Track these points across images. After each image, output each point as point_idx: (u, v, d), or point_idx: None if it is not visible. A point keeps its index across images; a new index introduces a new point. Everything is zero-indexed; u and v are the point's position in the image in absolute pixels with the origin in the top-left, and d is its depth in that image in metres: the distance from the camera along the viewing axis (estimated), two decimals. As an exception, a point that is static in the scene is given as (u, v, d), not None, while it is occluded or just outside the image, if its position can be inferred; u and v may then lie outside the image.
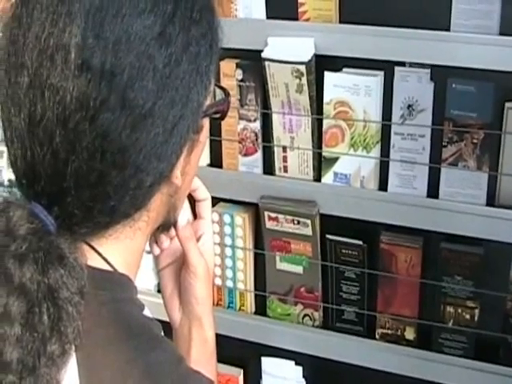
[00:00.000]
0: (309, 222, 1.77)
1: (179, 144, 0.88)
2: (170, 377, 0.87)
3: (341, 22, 1.67)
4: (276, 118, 1.76)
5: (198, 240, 1.15)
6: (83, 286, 0.83)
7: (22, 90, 0.82)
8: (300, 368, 1.94)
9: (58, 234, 0.84)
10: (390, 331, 1.81)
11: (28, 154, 0.83)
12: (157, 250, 1.16)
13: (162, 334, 0.94)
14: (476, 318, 1.72)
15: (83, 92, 0.80)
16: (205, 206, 1.17)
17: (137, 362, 0.85)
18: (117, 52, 0.80)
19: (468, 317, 1.73)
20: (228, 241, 1.91)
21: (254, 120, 1.80)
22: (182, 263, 1.14)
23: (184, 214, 1.09)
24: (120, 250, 0.92)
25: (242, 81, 1.78)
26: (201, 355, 1.12)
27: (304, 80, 1.66)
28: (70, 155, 0.81)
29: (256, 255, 1.92)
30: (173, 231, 1.12)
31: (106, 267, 0.91)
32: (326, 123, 1.72)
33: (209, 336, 1.15)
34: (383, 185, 1.73)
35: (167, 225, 1.04)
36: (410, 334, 1.79)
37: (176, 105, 0.85)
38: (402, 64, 1.63)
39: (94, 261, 0.89)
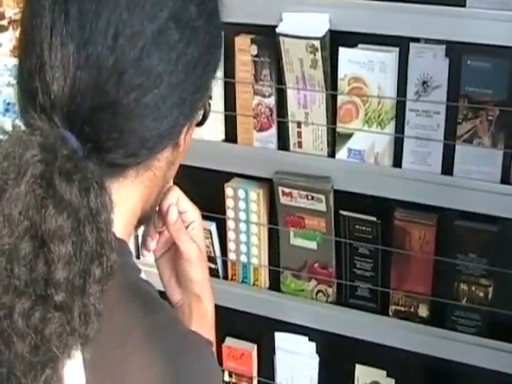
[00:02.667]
0: (323, 197, 1.77)
1: (201, 95, 0.96)
2: (171, 337, 0.90)
3: (356, -3, 1.66)
4: (290, 94, 1.75)
5: (186, 227, 1.18)
6: (111, 218, 0.85)
7: (72, 10, 0.85)
8: (313, 344, 1.94)
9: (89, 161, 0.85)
10: (403, 308, 1.81)
11: (70, 72, 0.85)
12: (145, 253, 1.19)
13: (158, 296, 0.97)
14: (490, 296, 1.72)
15: (135, 15, 0.86)
16: (181, 201, 1.17)
17: (136, 324, 0.87)
18: None
19: (482, 294, 1.72)
20: (242, 216, 1.91)
21: (269, 95, 1.79)
22: (175, 250, 1.18)
23: (173, 210, 1.13)
24: (121, 212, 0.93)
25: (256, 56, 1.77)
26: (200, 328, 1.14)
27: (318, 55, 1.65)
28: (116, 70, 0.85)
29: (270, 230, 1.92)
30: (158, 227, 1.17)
31: None
32: (340, 99, 1.72)
33: (208, 310, 1.19)
34: (397, 161, 1.72)
35: (151, 214, 1.08)
36: (423, 311, 1.79)
37: (207, 52, 0.94)
38: (417, 40, 1.62)
39: None
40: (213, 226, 1.97)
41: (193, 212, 1.18)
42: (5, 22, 2.11)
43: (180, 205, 1.16)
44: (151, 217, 1.11)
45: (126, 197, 0.94)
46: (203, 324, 1.15)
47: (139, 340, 0.86)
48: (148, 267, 1.16)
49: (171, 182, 1.11)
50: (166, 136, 0.92)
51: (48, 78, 0.85)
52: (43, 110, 0.86)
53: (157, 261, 1.22)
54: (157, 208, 1.12)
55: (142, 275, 0.96)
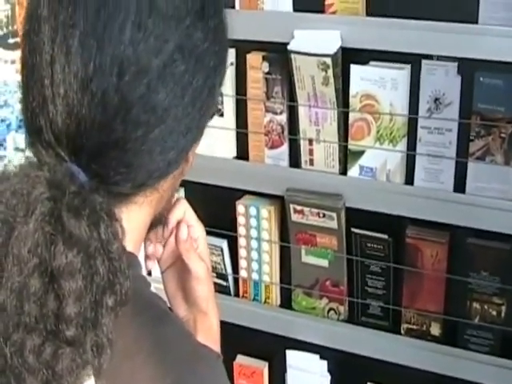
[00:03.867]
0: (334, 215, 1.76)
1: (206, 118, 0.93)
2: (180, 350, 0.89)
3: (368, 14, 1.65)
4: (302, 111, 1.75)
5: None
6: (123, 245, 0.85)
7: (73, 47, 0.82)
8: (325, 362, 1.93)
9: (97, 194, 0.85)
10: (415, 326, 1.79)
11: (75, 109, 0.83)
12: (150, 265, 1.18)
13: (168, 309, 0.97)
14: (503, 315, 1.70)
15: (140, 51, 0.83)
16: (188, 215, 1.17)
17: (146, 336, 0.86)
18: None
19: (494, 313, 1.71)
20: (254, 233, 1.90)
21: (281, 112, 1.79)
22: (182, 265, 1.17)
23: (183, 228, 1.14)
24: (131, 233, 0.92)
25: (268, 73, 1.77)
26: (206, 342, 1.13)
27: (330, 73, 1.65)
28: (122, 108, 0.83)
29: (281, 248, 1.91)
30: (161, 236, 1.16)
31: None
32: (351, 116, 1.71)
33: (213, 324, 1.18)
34: (409, 179, 1.71)
35: (159, 221, 1.06)
36: (435, 329, 1.78)
37: (213, 74, 0.91)
38: (429, 57, 1.62)
39: None
40: (224, 244, 1.97)
41: (198, 227, 1.18)
42: (18, 40, 2.12)
43: (186, 219, 1.15)
44: (161, 222, 1.10)
45: (135, 219, 0.93)
46: (208, 339, 1.15)
47: (148, 352, 0.85)
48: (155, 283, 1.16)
49: (179, 192, 1.10)
50: (173, 163, 0.91)
51: (52, 115, 0.84)
52: (49, 145, 0.85)
53: (162, 274, 1.21)
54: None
55: (152, 289, 0.95)
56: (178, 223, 1.14)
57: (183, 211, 1.15)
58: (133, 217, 0.93)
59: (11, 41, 2.16)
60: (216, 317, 1.19)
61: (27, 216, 0.79)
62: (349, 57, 1.67)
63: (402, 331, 1.82)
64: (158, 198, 0.95)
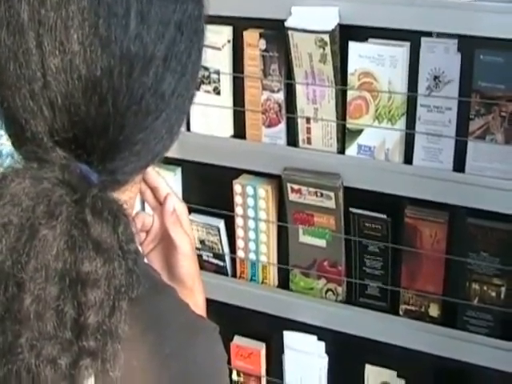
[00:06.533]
0: (332, 194, 1.74)
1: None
2: (177, 321, 0.89)
3: (366, -10, 1.63)
4: (299, 89, 1.72)
5: None
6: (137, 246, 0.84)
7: (71, 50, 0.78)
8: (322, 343, 1.92)
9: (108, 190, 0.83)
10: (413, 307, 1.78)
11: (81, 115, 0.79)
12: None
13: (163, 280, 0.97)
14: (502, 296, 1.68)
15: (145, 43, 0.80)
16: (163, 187, 1.16)
17: (143, 308, 0.85)
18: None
19: (494, 294, 1.69)
20: (251, 213, 1.89)
21: (278, 90, 1.77)
22: (166, 243, 1.16)
23: (170, 201, 1.13)
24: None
25: (265, 51, 1.75)
26: None
27: (328, 50, 1.63)
28: (133, 103, 0.80)
29: (279, 228, 1.90)
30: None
31: None
32: (350, 94, 1.69)
33: (199, 301, 1.17)
34: (408, 158, 1.69)
35: None
36: (434, 310, 1.76)
37: (200, 39, 0.89)
38: (429, 34, 1.59)
39: None
40: (221, 223, 1.95)
41: (179, 202, 1.17)
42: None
43: (170, 193, 1.15)
44: None
45: (128, 198, 0.92)
46: None
47: (147, 324, 0.85)
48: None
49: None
50: (176, 136, 0.90)
51: (50, 123, 0.79)
52: (52, 149, 0.80)
53: (145, 257, 1.19)
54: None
55: (146, 260, 0.97)
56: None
57: (166, 185, 1.14)
58: (127, 195, 0.91)
59: None
60: (202, 294, 1.18)
61: (52, 219, 0.75)
62: (347, 34, 1.64)
63: (401, 312, 1.80)
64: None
